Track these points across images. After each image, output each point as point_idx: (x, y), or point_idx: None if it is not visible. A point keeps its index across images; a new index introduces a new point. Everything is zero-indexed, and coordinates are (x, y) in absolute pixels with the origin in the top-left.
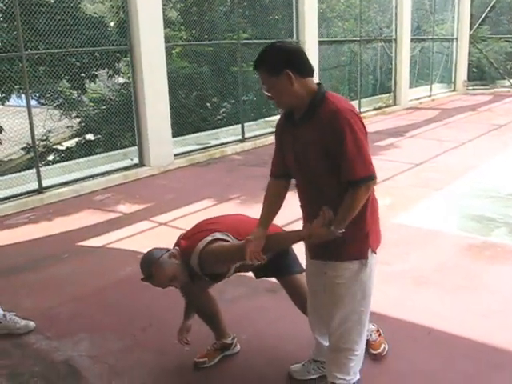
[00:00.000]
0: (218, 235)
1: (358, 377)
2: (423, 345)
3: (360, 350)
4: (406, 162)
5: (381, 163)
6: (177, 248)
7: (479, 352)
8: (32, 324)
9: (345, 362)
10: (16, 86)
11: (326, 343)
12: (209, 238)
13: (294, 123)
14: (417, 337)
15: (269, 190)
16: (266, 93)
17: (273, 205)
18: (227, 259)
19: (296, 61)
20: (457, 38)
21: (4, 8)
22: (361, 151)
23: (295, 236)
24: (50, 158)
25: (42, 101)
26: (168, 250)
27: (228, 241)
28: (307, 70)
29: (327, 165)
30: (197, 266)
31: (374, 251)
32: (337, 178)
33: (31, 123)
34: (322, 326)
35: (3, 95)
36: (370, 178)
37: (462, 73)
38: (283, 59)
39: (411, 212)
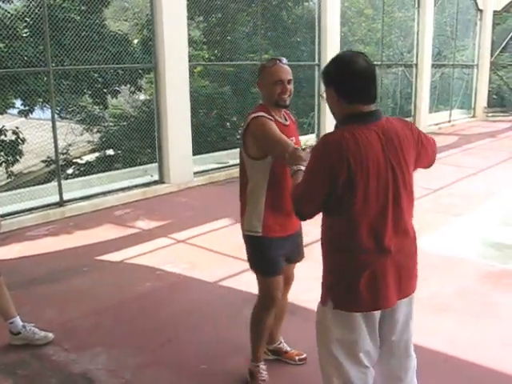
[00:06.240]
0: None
1: None
2: (440, 372)
3: None
4: (424, 188)
5: None
6: None
7: (496, 381)
8: (51, 335)
9: None
10: (39, 100)
11: None
12: (265, 115)
13: None
14: (434, 363)
15: None
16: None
17: None
18: (271, 141)
19: (340, 82)
20: (477, 65)
21: (31, 23)
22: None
23: None
24: (70, 171)
25: (63, 115)
26: None
27: None
28: (352, 96)
29: None
30: (242, 132)
31: None
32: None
33: (55, 137)
34: None
35: (27, 108)
36: None
37: (482, 99)
38: (329, 75)
39: (430, 238)
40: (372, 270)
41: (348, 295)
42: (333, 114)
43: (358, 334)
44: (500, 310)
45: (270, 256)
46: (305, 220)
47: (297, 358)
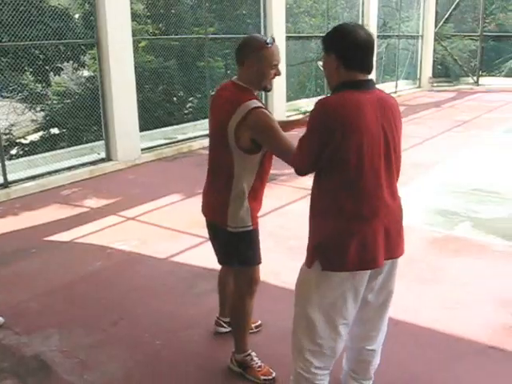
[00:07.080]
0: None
1: None
2: (390, 335)
3: None
4: None
5: None
6: None
7: (443, 342)
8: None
9: None
10: None
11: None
12: (262, 106)
13: None
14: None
15: None
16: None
17: None
18: (277, 139)
19: (342, 49)
20: (422, 36)
21: None
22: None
23: None
24: (13, 151)
25: (4, 94)
26: None
27: None
28: (353, 63)
29: None
30: (235, 123)
31: None
32: None
33: None
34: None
35: None
36: None
37: (427, 69)
38: (332, 42)
39: None
40: (363, 233)
41: (337, 256)
42: (328, 81)
43: (341, 297)
44: (445, 274)
45: (257, 245)
46: (301, 175)
47: (253, 325)
